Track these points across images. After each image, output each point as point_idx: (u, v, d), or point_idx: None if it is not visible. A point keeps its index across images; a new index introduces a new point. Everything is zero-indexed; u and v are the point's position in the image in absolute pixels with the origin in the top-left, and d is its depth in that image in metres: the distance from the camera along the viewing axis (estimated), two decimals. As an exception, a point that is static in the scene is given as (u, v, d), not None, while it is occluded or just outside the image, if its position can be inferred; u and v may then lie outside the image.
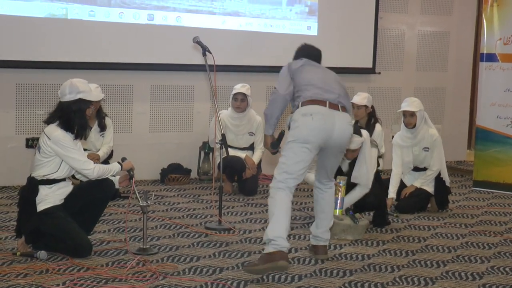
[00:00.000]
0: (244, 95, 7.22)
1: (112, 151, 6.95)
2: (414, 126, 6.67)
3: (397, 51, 9.15)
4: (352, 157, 5.87)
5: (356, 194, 5.87)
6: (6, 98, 7.08)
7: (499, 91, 7.88)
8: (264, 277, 4.62)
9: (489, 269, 5.02)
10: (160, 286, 4.38)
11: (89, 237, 5.38)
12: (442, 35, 9.36)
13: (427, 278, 4.75)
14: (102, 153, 6.81)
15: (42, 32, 7.05)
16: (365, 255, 5.24)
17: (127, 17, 7.41)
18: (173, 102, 7.84)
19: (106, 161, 6.89)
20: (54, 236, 4.89)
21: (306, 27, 8.36)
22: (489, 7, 7.99)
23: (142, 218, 5.11)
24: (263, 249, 5.25)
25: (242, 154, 7.28)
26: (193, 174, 7.86)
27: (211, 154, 7.70)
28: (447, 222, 6.38)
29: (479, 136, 8.08)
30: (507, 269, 5.04)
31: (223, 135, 5.93)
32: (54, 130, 4.86)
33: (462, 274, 4.89)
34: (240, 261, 4.96)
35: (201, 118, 7.98)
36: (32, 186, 4.92)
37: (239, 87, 7.20)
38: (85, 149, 6.78)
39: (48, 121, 4.95)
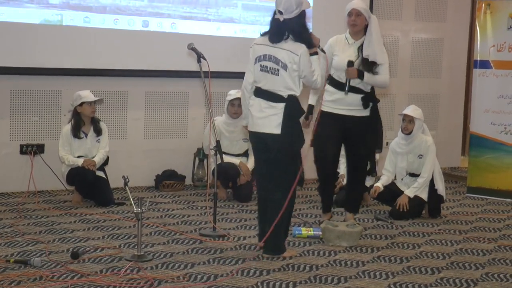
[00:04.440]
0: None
1: (107, 157, 6.92)
2: (410, 133, 6.70)
3: (391, 58, 9.12)
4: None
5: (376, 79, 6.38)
6: (0, 105, 7.06)
7: (493, 97, 7.90)
8: (259, 284, 4.62)
9: (484, 276, 5.03)
10: (154, 293, 4.39)
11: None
12: (436, 41, 9.39)
13: (421, 285, 4.76)
14: (98, 159, 6.78)
15: (37, 39, 7.04)
16: (359, 262, 5.24)
17: (122, 24, 7.41)
18: (167, 109, 7.83)
19: (102, 168, 6.89)
20: None
21: (301, 34, 8.35)
22: (482, 14, 8.02)
23: (136, 225, 5.10)
24: (257, 256, 5.27)
25: (236, 161, 7.28)
26: (188, 181, 7.85)
27: (205, 160, 7.69)
28: (441, 229, 6.39)
29: (473, 143, 8.09)
30: (501, 275, 5.05)
31: (218, 142, 5.93)
32: (298, 48, 5.11)
33: (457, 280, 4.89)
34: (234, 267, 4.96)
35: (196, 124, 7.97)
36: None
37: (235, 93, 7.20)
38: (80, 156, 6.82)
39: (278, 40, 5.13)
